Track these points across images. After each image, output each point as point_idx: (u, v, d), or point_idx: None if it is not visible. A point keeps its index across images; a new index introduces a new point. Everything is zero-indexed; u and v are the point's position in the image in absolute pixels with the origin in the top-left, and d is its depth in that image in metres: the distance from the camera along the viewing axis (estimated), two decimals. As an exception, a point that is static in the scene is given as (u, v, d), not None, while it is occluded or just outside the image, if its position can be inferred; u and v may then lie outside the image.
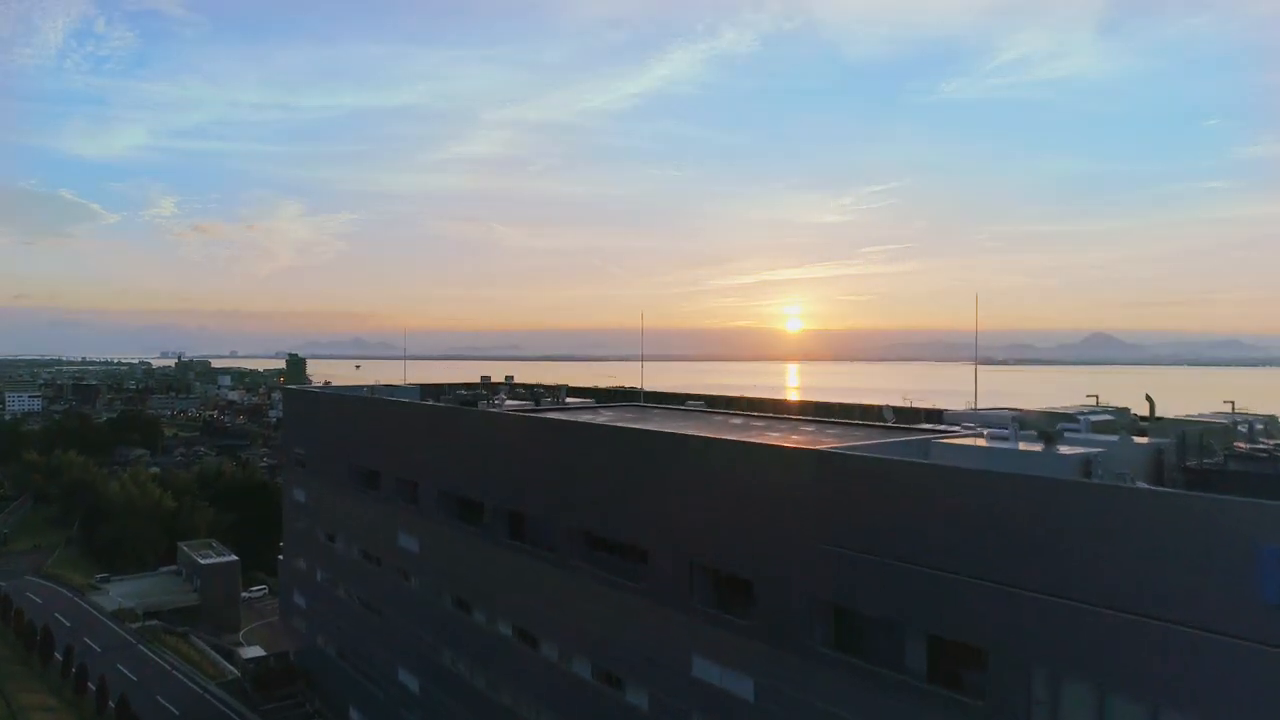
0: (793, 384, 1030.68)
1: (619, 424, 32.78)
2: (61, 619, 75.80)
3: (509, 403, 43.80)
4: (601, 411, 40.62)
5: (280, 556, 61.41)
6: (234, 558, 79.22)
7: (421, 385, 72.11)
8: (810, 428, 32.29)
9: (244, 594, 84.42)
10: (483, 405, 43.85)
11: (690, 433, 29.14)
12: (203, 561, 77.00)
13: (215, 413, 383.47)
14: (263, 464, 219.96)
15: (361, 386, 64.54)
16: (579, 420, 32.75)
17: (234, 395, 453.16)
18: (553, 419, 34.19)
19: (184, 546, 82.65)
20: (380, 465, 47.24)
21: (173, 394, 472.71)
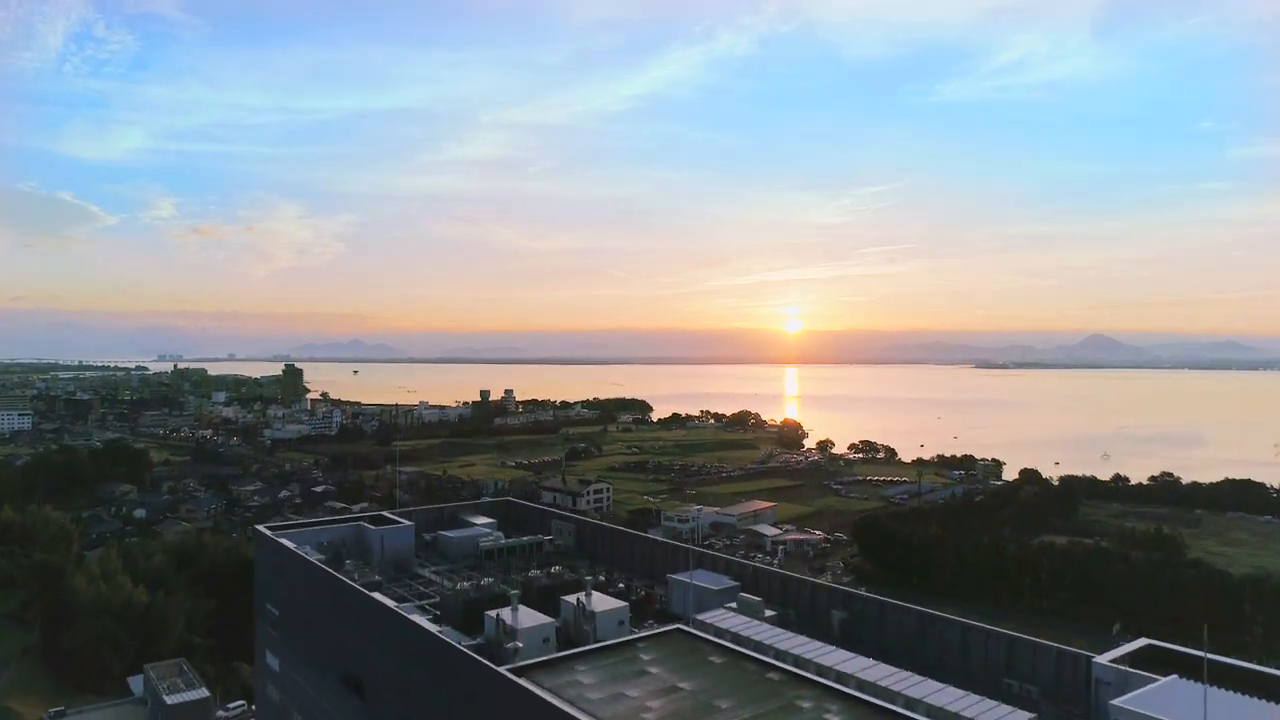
0: (792, 391, 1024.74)
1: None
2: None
3: (524, 618, 35.08)
4: (643, 654, 31.99)
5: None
6: (204, 693, 70.76)
7: (419, 510, 63.56)
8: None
9: (220, 712, 76.11)
10: (490, 616, 35.35)
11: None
12: (169, 700, 68.49)
13: (209, 432, 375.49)
14: (253, 502, 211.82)
15: (344, 520, 55.93)
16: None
17: (229, 412, 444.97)
18: (570, 713, 25.58)
19: (151, 672, 74.22)
20: (365, 675, 38.79)
21: (166, 410, 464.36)
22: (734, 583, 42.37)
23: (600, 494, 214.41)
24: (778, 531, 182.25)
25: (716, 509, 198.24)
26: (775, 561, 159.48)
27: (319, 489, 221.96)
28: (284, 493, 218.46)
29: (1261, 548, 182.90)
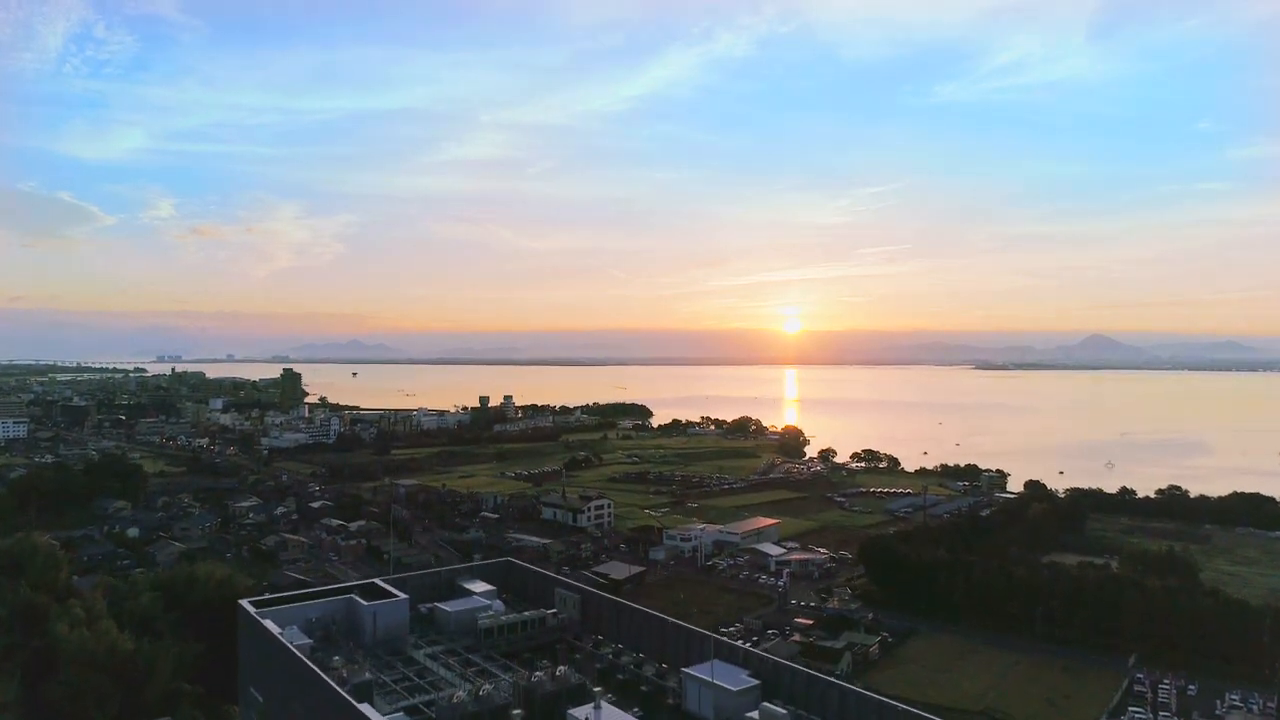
0: (792, 394, 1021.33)
1: None
2: None
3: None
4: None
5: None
6: (191, 760, 67.95)
7: (413, 576, 60.47)
8: None
9: (209, 769, 73.18)
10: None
11: None
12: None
13: (206, 441, 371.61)
14: (249, 519, 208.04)
15: (335, 591, 52.80)
16: None
17: (226, 419, 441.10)
18: None
19: (135, 734, 71.23)
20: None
21: (163, 416, 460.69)
22: (755, 681, 39.14)
23: (601, 510, 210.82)
24: (781, 551, 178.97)
25: (719, 526, 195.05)
26: (780, 584, 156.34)
27: (316, 505, 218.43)
28: (280, 509, 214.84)
29: (1274, 566, 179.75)
